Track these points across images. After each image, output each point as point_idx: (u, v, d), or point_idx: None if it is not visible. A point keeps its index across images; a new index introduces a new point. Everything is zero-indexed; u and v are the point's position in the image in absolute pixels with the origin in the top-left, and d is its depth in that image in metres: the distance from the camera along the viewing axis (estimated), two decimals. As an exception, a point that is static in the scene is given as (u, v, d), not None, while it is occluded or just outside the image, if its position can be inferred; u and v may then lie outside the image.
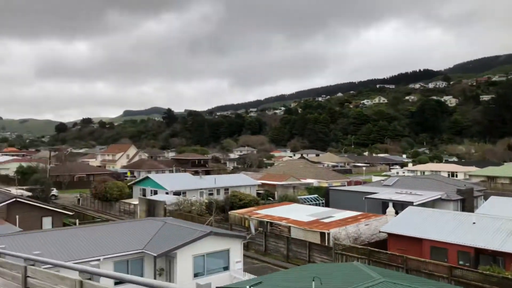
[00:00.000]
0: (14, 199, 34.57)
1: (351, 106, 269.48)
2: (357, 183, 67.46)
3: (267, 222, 35.61)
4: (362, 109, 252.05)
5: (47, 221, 34.91)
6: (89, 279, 4.14)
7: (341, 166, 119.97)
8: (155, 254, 21.11)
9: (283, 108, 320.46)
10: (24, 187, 58.52)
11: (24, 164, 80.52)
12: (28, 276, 5.51)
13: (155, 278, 22.22)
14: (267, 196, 55.70)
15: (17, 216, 33.55)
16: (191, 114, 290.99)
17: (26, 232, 23.81)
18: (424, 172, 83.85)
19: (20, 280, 5.64)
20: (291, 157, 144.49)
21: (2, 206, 33.49)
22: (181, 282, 21.94)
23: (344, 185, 64.00)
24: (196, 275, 22.78)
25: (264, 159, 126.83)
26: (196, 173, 75.19)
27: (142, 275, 22.57)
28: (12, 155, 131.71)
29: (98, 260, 20.78)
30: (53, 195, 61.59)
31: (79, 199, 60.71)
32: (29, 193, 51.96)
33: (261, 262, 31.20)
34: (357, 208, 39.56)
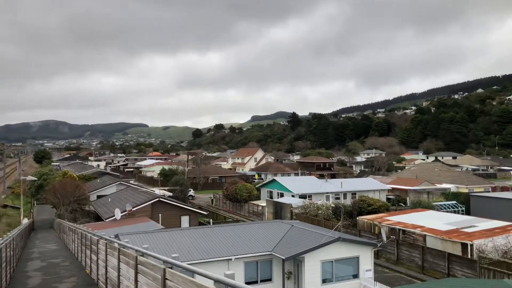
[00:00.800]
0: (157, 199, 38.23)
1: (494, 103, 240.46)
2: (504, 189, 59.66)
3: (399, 229, 33.40)
4: (508, 105, 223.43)
5: (185, 220, 37.83)
6: None
7: (483, 170, 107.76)
8: (283, 257, 21.17)
9: (413, 108, 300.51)
10: (166, 188, 64.60)
11: (166, 167, 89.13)
12: (166, 279, 5.64)
13: (283, 281, 22.33)
14: (398, 202, 52.49)
15: (160, 215, 37.03)
16: (316, 117, 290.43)
17: (167, 230, 25.98)
18: None
19: (160, 282, 5.84)
20: (424, 160, 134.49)
21: (147, 205, 37.30)
22: (309, 287, 21.65)
23: (488, 191, 57.09)
24: (324, 281, 22.27)
25: (394, 162, 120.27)
26: (321, 176, 74.56)
27: (271, 277, 22.88)
28: (156, 159, 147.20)
29: (230, 259, 21.65)
30: (190, 195, 66.83)
31: (212, 200, 64.81)
32: (170, 194, 57.08)
33: (393, 272, 29.31)
34: (505, 217, 34.85)
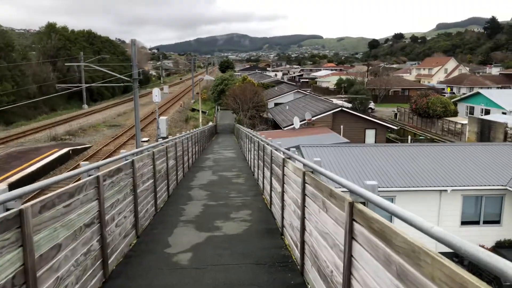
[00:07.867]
0: (339, 109, 33.78)
1: None
2: None
3: None
4: None
5: (370, 134, 32.86)
6: None
7: None
8: (531, 197, 14.74)
9: None
10: (343, 97, 59.84)
11: (343, 77, 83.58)
12: (306, 183, 4.90)
13: (522, 228, 16.05)
14: None
15: (341, 126, 32.77)
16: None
17: (357, 145, 21.39)
18: None
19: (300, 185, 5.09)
20: None
21: (328, 114, 33.26)
22: None
23: None
24: None
25: None
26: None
27: (499, 219, 16.83)
28: (331, 70, 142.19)
29: (445, 191, 16.19)
30: (370, 107, 61.01)
31: (396, 114, 57.78)
32: (349, 105, 52.19)
33: None
34: None
